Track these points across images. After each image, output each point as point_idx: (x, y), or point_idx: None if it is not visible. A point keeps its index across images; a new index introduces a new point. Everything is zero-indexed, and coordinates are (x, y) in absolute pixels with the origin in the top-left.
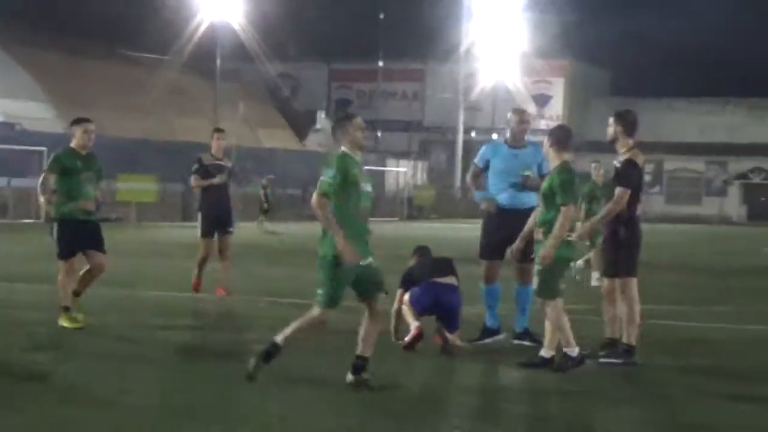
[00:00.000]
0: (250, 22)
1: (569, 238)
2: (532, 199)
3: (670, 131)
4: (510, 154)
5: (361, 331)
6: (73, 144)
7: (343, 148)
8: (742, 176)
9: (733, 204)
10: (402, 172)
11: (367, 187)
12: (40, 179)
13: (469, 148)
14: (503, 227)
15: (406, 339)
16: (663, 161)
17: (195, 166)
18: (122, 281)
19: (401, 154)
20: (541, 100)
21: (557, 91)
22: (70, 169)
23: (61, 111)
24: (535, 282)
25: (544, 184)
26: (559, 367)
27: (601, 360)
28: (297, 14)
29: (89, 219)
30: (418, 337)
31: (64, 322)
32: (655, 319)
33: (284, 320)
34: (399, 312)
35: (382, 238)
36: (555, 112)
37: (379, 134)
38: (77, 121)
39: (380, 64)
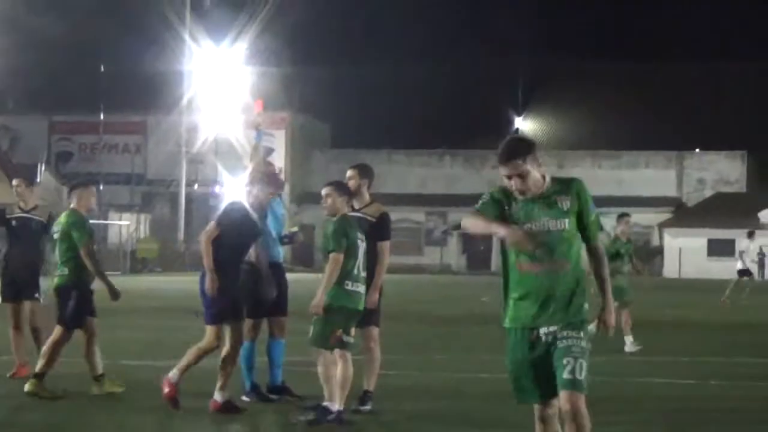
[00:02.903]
0: None
1: (349, 288)
2: (281, 252)
3: (390, 183)
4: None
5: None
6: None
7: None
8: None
9: (452, 253)
10: (124, 226)
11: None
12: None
13: (192, 201)
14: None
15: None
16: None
17: None
18: None
19: (123, 207)
20: (265, 153)
21: (279, 143)
22: None
23: None
24: (310, 331)
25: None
26: (315, 421)
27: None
28: (16, 66)
29: None
30: None
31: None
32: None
33: None
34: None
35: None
36: (278, 164)
37: (101, 187)
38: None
39: (101, 116)
